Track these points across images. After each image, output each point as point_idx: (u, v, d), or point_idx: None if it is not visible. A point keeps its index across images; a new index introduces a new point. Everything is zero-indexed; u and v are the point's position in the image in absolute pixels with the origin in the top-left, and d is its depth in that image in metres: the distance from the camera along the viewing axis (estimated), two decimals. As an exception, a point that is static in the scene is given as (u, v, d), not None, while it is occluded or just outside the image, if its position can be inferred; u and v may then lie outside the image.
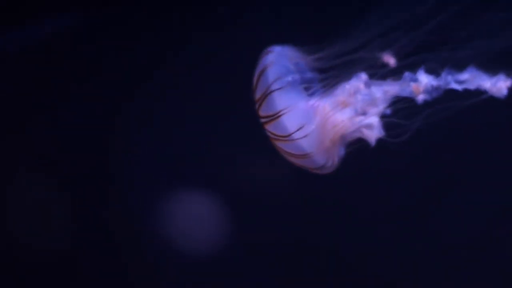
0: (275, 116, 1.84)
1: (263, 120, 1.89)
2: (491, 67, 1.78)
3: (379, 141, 1.83)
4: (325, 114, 1.84)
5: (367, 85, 1.82)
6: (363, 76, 1.83)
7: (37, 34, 3.28)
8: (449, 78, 1.78)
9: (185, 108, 3.39)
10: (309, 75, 1.89)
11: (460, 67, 1.81)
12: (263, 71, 1.85)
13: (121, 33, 3.41)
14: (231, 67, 3.22)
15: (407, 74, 1.81)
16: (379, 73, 1.83)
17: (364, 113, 1.84)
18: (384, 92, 1.82)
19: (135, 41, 3.40)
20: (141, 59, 3.39)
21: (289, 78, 1.84)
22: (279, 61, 1.87)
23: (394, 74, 1.83)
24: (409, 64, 1.83)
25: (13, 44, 3.29)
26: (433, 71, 1.81)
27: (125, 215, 3.38)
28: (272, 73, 1.84)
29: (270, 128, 1.86)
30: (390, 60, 1.81)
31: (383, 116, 1.85)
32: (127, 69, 3.36)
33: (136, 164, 3.39)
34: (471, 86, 1.77)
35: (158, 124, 3.40)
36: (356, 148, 1.91)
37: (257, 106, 1.87)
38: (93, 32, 3.38)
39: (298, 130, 1.83)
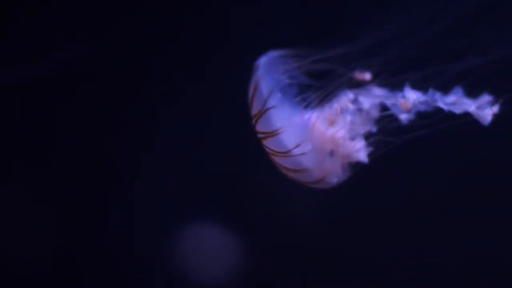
0: (273, 133, 1.84)
1: (260, 135, 1.88)
2: (479, 87, 1.79)
3: (370, 156, 1.84)
4: (321, 129, 1.84)
5: (355, 103, 1.82)
6: (350, 94, 1.83)
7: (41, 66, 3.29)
8: (436, 96, 1.79)
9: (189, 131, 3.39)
10: (301, 82, 1.89)
11: (448, 86, 1.82)
12: (256, 87, 1.84)
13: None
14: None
15: (394, 90, 1.82)
16: (366, 88, 1.84)
17: (353, 130, 1.85)
18: (371, 108, 1.83)
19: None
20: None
21: (282, 91, 1.83)
22: (269, 73, 1.86)
23: (382, 89, 1.84)
24: (397, 80, 1.83)
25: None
26: (421, 88, 1.82)
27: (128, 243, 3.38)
28: (265, 87, 1.83)
29: (268, 143, 1.86)
30: (367, 76, 1.83)
31: (371, 133, 1.86)
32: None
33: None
34: (457, 109, 1.78)
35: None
36: (350, 164, 1.91)
37: (254, 121, 1.87)
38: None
39: (296, 146, 1.83)
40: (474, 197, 3.13)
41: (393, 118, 1.84)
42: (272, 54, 1.88)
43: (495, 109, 1.77)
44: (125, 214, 3.40)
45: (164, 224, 3.40)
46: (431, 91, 1.81)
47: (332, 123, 1.84)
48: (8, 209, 3.39)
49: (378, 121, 1.87)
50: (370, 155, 1.86)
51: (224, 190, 3.39)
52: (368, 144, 1.87)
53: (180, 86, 3.43)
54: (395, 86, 1.85)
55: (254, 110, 1.85)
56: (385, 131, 1.85)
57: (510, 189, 3.09)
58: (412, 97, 1.79)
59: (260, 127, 1.85)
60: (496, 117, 1.82)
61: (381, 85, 1.84)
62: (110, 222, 3.40)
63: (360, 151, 1.84)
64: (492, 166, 3.09)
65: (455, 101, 1.79)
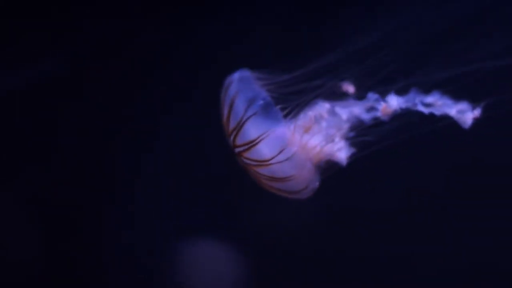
0: (254, 143, 1.84)
1: (239, 149, 1.88)
2: (461, 93, 1.79)
3: (350, 161, 1.86)
4: (301, 136, 1.85)
5: (331, 111, 1.83)
6: (326, 104, 1.84)
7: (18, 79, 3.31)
8: (417, 100, 1.80)
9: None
10: (277, 92, 1.89)
11: (428, 90, 1.83)
12: (232, 102, 1.85)
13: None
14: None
15: (371, 95, 1.83)
16: (343, 95, 1.85)
17: (332, 136, 1.86)
18: (349, 114, 1.84)
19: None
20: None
21: (261, 102, 1.84)
22: (245, 87, 1.87)
23: (362, 95, 1.85)
24: (379, 85, 1.83)
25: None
26: (402, 93, 1.83)
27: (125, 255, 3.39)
28: (241, 101, 1.83)
29: (248, 155, 1.86)
30: (350, 88, 1.83)
31: (349, 138, 1.87)
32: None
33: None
34: (437, 111, 1.79)
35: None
36: (330, 171, 1.92)
37: (232, 136, 1.87)
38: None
39: (278, 153, 1.83)
40: (468, 196, 3.12)
41: (376, 123, 1.85)
42: (243, 70, 1.90)
43: (476, 113, 1.77)
44: (125, 214, 3.42)
45: (164, 224, 3.41)
46: (410, 95, 1.81)
47: (309, 130, 1.85)
48: (7, 209, 3.41)
49: (361, 126, 1.88)
50: (355, 157, 1.87)
51: (224, 190, 3.40)
52: (350, 147, 1.88)
53: (180, 86, 3.43)
54: (379, 92, 1.85)
55: (232, 125, 1.85)
56: (369, 135, 1.85)
57: (503, 189, 3.08)
58: (393, 102, 1.80)
59: (239, 139, 1.85)
60: (483, 119, 1.82)
61: (365, 91, 1.85)
62: (110, 222, 3.41)
63: (341, 155, 1.85)
64: (484, 167, 3.08)
65: (435, 104, 1.80)
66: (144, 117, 3.45)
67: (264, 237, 3.33)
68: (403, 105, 1.81)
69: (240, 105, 1.84)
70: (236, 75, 1.88)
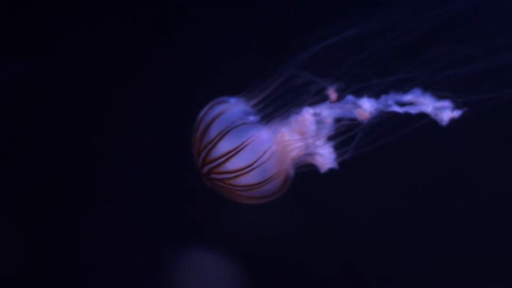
0: (233, 153, 1.85)
1: (212, 164, 1.89)
2: (443, 92, 1.80)
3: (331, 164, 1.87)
4: (281, 142, 1.86)
5: (313, 116, 1.84)
6: (309, 110, 1.85)
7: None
8: (390, 101, 1.81)
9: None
10: (259, 99, 1.91)
11: (408, 89, 1.85)
12: (211, 122, 1.87)
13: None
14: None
15: (349, 98, 1.84)
16: (324, 99, 1.86)
17: (313, 142, 1.87)
18: (329, 118, 1.85)
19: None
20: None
21: (243, 120, 1.85)
22: (224, 102, 1.88)
23: (340, 98, 1.86)
24: (358, 87, 1.85)
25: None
26: (381, 94, 1.84)
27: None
28: (224, 120, 1.85)
29: (223, 168, 1.87)
30: (333, 94, 1.84)
31: (330, 142, 1.88)
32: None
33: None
34: (414, 110, 1.80)
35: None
36: (306, 174, 1.94)
37: (203, 153, 1.88)
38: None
39: (257, 159, 1.84)
40: (448, 198, 3.13)
41: (356, 126, 1.86)
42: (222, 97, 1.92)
43: (456, 112, 1.79)
44: (113, 217, 3.41)
45: (155, 228, 3.40)
46: (384, 97, 1.82)
47: (290, 135, 1.86)
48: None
49: (341, 131, 1.89)
50: (336, 161, 1.88)
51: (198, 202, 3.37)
52: (331, 152, 1.89)
53: (153, 98, 3.39)
54: (357, 94, 1.87)
55: (205, 141, 1.86)
56: (350, 139, 1.86)
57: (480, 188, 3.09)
58: (367, 106, 1.80)
59: (213, 154, 1.86)
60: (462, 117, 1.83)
61: (345, 94, 1.86)
62: (101, 226, 3.41)
63: (321, 159, 1.86)
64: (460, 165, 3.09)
65: (414, 102, 1.81)
66: (132, 118, 3.43)
67: (245, 246, 3.32)
68: (379, 107, 1.81)
69: (219, 123, 1.87)
70: (215, 101, 1.92)
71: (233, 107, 1.90)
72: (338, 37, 1.91)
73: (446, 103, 1.83)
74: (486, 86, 1.85)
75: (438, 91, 1.87)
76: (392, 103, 1.84)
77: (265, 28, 3.19)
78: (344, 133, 1.90)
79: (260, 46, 3.19)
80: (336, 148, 1.92)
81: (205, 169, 1.90)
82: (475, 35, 1.94)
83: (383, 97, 1.84)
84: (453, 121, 1.85)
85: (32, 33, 3.34)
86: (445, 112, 1.81)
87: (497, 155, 3.08)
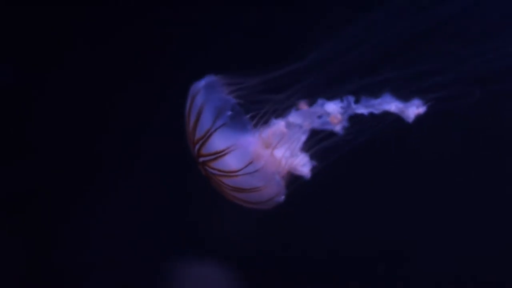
0: (222, 153, 1.82)
1: (205, 158, 1.87)
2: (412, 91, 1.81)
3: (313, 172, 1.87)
4: (268, 148, 1.84)
5: (295, 123, 1.83)
6: (292, 115, 1.84)
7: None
8: (352, 103, 1.81)
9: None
10: (244, 103, 1.88)
11: (377, 93, 1.85)
12: (200, 111, 1.83)
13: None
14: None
15: (321, 102, 1.83)
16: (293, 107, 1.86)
17: (296, 148, 1.86)
18: (308, 126, 1.84)
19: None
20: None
21: (229, 112, 1.81)
22: (212, 95, 1.85)
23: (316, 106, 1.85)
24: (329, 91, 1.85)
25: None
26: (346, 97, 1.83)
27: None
28: (209, 110, 1.81)
29: (214, 165, 1.85)
30: (304, 106, 1.84)
31: (311, 149, 1.88)
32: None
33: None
34: (377, 110, 1.79)
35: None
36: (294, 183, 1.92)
37: (197, 146, 1.86)
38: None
39: (246, 165, 1.82)
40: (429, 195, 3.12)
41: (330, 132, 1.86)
42: (211, 77, 1.87)
43: (421, 109, 1.78)
44: (112, 221, 3.40)
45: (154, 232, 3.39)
46: (346, 98, 1.82)
47: (273, 142, 1.84)
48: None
49: (318, 137, 1.88)
50: (317, 168, 1.88)
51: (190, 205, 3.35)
52: (312, 159, 1.88)
53: (147, 92, 3.38)
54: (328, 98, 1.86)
55: (198, 134, 1.84)
56: (327, 144, 1.86)
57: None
58: (332, 109, 1.80)
59: (206, 149, 1.84)
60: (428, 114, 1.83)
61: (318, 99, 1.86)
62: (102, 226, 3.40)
63: (304, 166, 1.85)
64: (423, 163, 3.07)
65: (381, 103, 1.80)
66: (132, 121, 3.42)
67: (233, 250, 3.30)
68: (347, 110, 1.81)
69: (208, 115, 1.82)
70: (203, 82, 1.86)
71: (226, 104, 1.87)
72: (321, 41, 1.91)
73: (413, 101, 1.83)
74: (457, 86, 1.86)
75: (408, 92, 1.86)
76: (359, 105, 1.83)
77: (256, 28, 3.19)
78: (320, 141, 1.90)
79: (248, 47, 3.18)
80: (313, 155, 1.91)
81: (200, 160, 1.88)
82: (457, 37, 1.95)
83: (349, 98, 1.83)
84: (420, 119, 1.86)
85: (32, 33, 3.34)
86: (411, 109, 1.80)
87: (471, 155, 3.07)
